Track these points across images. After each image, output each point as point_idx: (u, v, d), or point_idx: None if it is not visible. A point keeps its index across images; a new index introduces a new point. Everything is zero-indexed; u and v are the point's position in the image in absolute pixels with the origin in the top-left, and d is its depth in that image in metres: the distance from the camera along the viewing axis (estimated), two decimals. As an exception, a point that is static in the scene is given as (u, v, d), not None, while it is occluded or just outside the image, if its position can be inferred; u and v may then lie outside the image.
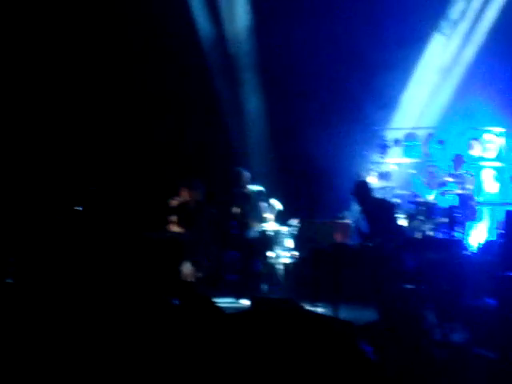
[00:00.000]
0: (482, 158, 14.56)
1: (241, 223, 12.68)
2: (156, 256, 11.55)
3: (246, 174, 12.89)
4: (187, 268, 11.50)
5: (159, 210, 12.32)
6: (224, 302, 11.48)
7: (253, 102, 16.16)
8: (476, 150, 14.52)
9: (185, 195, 11.98)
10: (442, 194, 13.74)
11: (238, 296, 11.94)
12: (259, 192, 12.82)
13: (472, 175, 13.80)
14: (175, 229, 12.20)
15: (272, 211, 12.86)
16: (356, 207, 12.50)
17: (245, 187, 12.75)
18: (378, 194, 12.94)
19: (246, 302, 11.36)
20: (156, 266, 11.14)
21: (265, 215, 12.78)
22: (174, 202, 11.95)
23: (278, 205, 12.91)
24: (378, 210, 11.72)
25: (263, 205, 12.81)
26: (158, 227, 12.33)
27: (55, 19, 14.82)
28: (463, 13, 15.58)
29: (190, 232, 11.96)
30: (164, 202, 12.22)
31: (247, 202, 12.70)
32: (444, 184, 13.79)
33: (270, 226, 12.79)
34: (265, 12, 15.51)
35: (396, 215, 12.63)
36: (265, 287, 12.37)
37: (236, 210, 12.58)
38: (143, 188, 14.61)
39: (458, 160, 13.84)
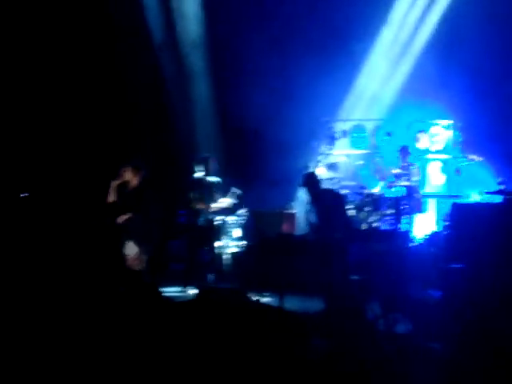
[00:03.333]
0: (428, 151, 14.71)
1: (191, 211, 12.64)
2: (98, 241, 11.48)
3: (214, 164, 12.87)
4: (131, 248, 11.42)
5: (103, 194, 12.17)
6: (171, 291, 11.47)
7: (202, 94, 16.14)
8: (423, 143, 14.66)
9: (127, 175, 11.87)
10: (389, 185, 13.82)
11: (185, 285, 11.92)
12: (216, 183, 12.79)
13: (417, 167, 13.92)
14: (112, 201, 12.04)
15: (233, 196, 12.82)
16: (303, 198, 12.53)
17: (209, 175, 12.73)
18: (325, 185, 12.98)
19: (192, 291, 11.35)
20: (99, 251, 11.05)
21: (223, 203, 12.75)
22: (116, 183, 11.81)
23: (237, 190, 12.88)
24: (327, 201, 11.75)
25: (218, 195, 12.79)
26: (102, 212, 12.21)
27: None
28: (412, 4, 15.69)
29: (132, 213, 11.86)
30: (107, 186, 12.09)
31: (203, 190, 12.67)
32: (391, 176, 13.88)
33: (222, 204, 12.77)
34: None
35: (345, 206, 12.69)
36: (211, 277, 12.36)
37: (197, 200, 12.57)
38: (88, 175, 14.46)
39: (404, 151, 13.94)
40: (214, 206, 12.66)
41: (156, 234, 12.22)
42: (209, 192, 12.67)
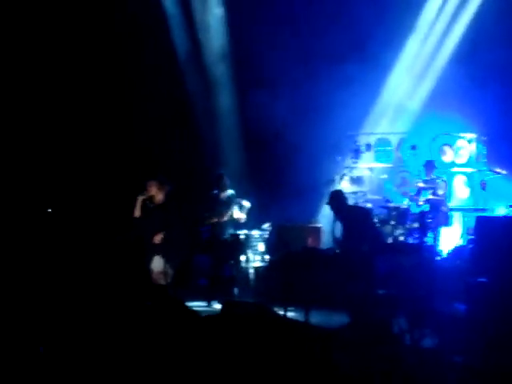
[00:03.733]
0: (453, 164, 14.65)
1: (213, 226, 12.70)
2: (124, 255, 11.56)
3: (227, 178, 12.95)
4: (156, 262, 11.47)
5: (129, 208, 12.25)
6: (195, 305, 11.48)
7: (226, 106, 16.20)
8: (448, 156, 14.62)
9: (152, 190, 11.95)
10: (414, 199, 13.78)
11: (210, 300, 11.94)
12: (232, 195, 12.85)
13: (444, 181, 13.87)
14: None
15: (243, 210, 12.86)
16: (329, 212, 12.53)
17: (224, 191, 12.80)
18: (350, 199, 12.98)
19: (217, 306, 11.36)
20: (125, 265, 11.11)
21: (236, 215, 12.79)
22: (141, 198, 11.90)
23: (247, 204, 12.91)
24: (354, 218, 11.77)
25: (235, 208, 12.84)
26: (128, 227, 12.29)
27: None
28: (436, 18, 15.68)
29: (157, 228, 11.91)
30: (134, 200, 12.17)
31: (222, 205, 12.74)
32: (416, 189, 13.84)
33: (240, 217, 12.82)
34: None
35: (373, 220, 12.69)
36: (236, 291, 12.37)
37: (210, 217, 12.64)
38: (114, 189, 14.56)
39: (430, 166, 13.90)
40: (225, 217, 12.68)
41: (182, 249, 12.29)
42: (222, 208, 12.71)
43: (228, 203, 12.76)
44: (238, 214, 12.80)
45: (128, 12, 15.08)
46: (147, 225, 11.79)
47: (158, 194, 11.95)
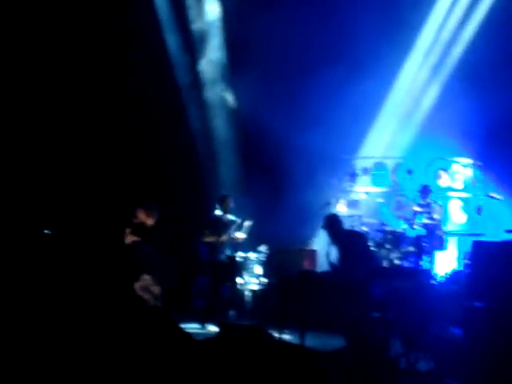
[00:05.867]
0: (449, 189, 14.70)
1: (212, 247, 12.69)
2: (118, 280, 11.54)
3: (231, 202, 12.93)
4: (145, 280, 11.47)
5: (116, 231, 12.26)
6: (191, 327, 11.47)
7: (223, 128, 16.28)
8: (444, 180, 14.66)
9: (141, 217, 11.97)
10: (410, 223, 13.81)
11: (206, 321, 11.93)
12: (233, 221, 12.82)
13: (439, 205, 13.91)
14: (131, 241, 12.13)
15: (243, 230, 12.85)
16: (324, 235, 12.56)
17: (226, 213, 12.80)
18: (346, 223, 13.00)
19: (213, 329, 11.35)
20: (120, 290, 11.10)
21: (235, 235, 12.77)
22: (129, 230, 11.93)
23: (248, 223, 12.88)
24: (349, 242, 11.81)
25: (235, 232, 12.82)
26: (115, 246, 12.30)
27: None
28: (432, 44, 15.79)
29: (145, 246, 11.93)
30: (121, 224, 12.18)
31: (219, 227, 12.73)
32: (412, 213, 13.87)
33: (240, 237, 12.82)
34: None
35: (368, 244, 12.72)
36: (233, 313, 12.37)
37: (209, 234, 12.64)
38: (106, 215, 14.55)
39: (425, 190, 13.94)
40: (224, 238, 12.67)
41: (178, 271, 12.28)
42: (224, 229, 12.72)
43: (228, 226, 12.76)
44: (238, 234, 12.80)
45: (131, 38, 15.23)
46: (140, 250, 11.80)
47: (147, 220, 11.97)
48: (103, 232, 13.81)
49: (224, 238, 12.63)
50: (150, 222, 11.93)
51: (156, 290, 11.56)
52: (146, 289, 11.42)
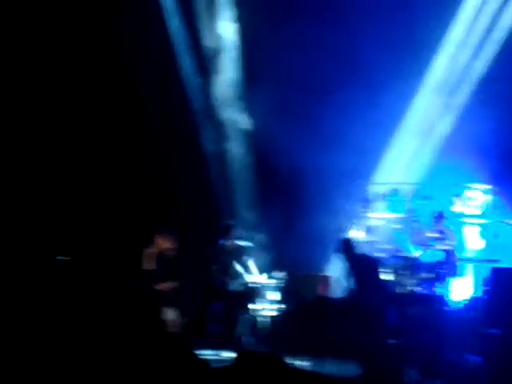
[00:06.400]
0: (463, 214, 14.67)
1: (223, 275, 12.70)
2: (136, 306, 11.55)
3: (236, 229, 12.94)
4: (170, 315, 11.48)
5: (135, 259, 12.29)
6: (206, 354, 11.46)
7: (238, 150, 16.32)
8: (457, 206, 14.64)
9: (161, 243, 12.00)
10: (425, 249, 13.79)
11: (221, 348, 11.91)
12: (245, 247, 12.84)
13: (452, 231, 13.89)
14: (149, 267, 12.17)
15: (249, 271, 12.89)
16: (338, 261, 12.56)
17: (231, 241, 12.81)
18: (361, 248, 13.00)
19: (228, 355, 11.33)
20: (138, 316, 11.11)
21: (250, 266, 12.80)
22: (150, 251, 11.95)
23: (251, 264, 12.94)
24: (363, 266, 11.81)
25: (247, 259, 12.83)
26: (136, 276, 12.32)
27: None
28: (450, 64, 15.80)
29: (163, 272, 11.96)
30: (139, 251, 12.21)
31: (229, 256, 12.75)
32: (427, 239, 13.85)
33: (254, 278, 12.80)
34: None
35: (380, 270, 12.70)
36: (249, 340, 12.35)
37: (216, 263, 12.66)
38: (121, 238, 14.57)
39: (439, 216, 13.91)
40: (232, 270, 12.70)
41: (195, 298, 12.29)
42: (228, 259, 12.72)
43: (234, 254, 12.76)
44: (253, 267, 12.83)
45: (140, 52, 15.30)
46: (161, 277, 11.83)
47: (167, 247, 12.00)
48: (119, 258, 13.85)
49: (232, 270, 12.65)
50: (170, 248, 11.96)
51: (173, 315, 11.60)
52: (175, 323, 11.47)
